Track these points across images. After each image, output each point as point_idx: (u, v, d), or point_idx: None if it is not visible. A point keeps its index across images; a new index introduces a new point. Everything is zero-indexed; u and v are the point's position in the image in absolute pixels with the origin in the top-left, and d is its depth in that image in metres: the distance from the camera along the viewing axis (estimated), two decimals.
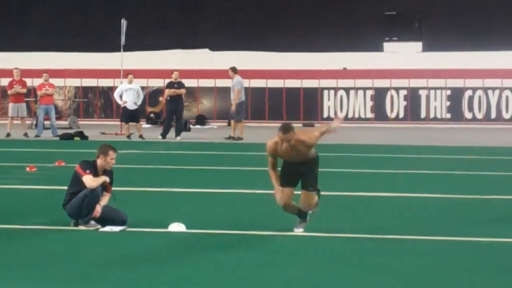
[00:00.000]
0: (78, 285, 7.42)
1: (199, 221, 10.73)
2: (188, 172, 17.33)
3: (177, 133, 26.20)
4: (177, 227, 10.07)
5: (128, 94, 26.15)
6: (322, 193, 10.25)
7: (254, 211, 11.88)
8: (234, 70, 26.14)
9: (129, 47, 29.34)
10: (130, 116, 26.31)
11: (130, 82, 26.40)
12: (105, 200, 10.19)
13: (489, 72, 35.53)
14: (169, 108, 26.48)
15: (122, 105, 26.34)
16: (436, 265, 8.27)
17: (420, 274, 7.89)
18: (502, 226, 10.62)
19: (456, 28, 36.38)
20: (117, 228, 9.99)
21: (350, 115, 36.38)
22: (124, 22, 28.27)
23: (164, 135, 26.24)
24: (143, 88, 28.12)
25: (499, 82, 35.80)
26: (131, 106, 26.13)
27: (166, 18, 37.90)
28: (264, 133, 26.18)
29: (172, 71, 26.85)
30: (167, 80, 27.04)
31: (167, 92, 26.31)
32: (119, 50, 28.61)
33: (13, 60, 32.21)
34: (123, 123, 26.87)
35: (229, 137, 25.96)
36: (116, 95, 26.55)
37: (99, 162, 10.15)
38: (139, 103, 26.49)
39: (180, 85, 26.34)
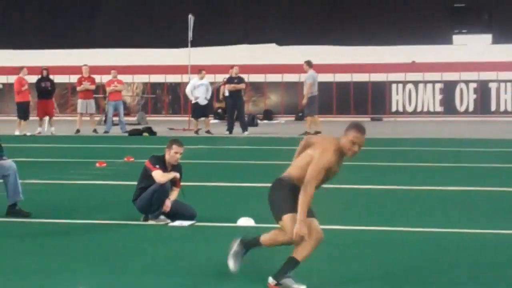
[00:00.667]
0: (149, 279, 7.44)
1: (268, 215, 10.68)
2: (256, 166, 17.31)
3: (243, 128, 26.22)
4: (246, 221, 10.06)
5: (199, 90, 26.29)
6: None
7: (324, 205, 11.79)
8: (309, 64, 25.96)
9: (196, 43, 29.47)
10: (201, 111, 26.47)
11: (202, 78, 26.53)
12: (174, 195, 10.23)
13: None
14: (229, 103, 26.59)
15: (194, 101, 26.45)
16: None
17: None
18: None
19: None
20: (186, 223, 10.02)
21: (419, 109, 36.01)
22: (191, 18, 28.39)
23: (230, 130, 26.30)
24: (211, 83, 28.16)
25: None
26: (202, 101, 26.29)
27: (233, 13, 37.96)
28: (331, 128, 26.06)
29: (231, 66, 26.92)
30: (227, 76, 27.11)
31: (227, 87, 26.41)
32: (186, 46, 28.74)
33: (82, 57, 32.59)
34: (193, 119, 26.89)
35: (305, 133, 25.73)
36: (188, 91, 26.64)
37: (166, 156, 10.21)
38: (208, 98, 26.63)
39: (240, 80, 26.37)
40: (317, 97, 26.02)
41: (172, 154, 10.18)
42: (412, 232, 9.65)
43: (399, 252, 8.55)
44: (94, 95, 28.08)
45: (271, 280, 7.08)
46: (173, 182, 10.24)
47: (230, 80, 26.47)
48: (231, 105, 26.46)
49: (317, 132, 25.37)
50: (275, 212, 7.21)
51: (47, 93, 26.57)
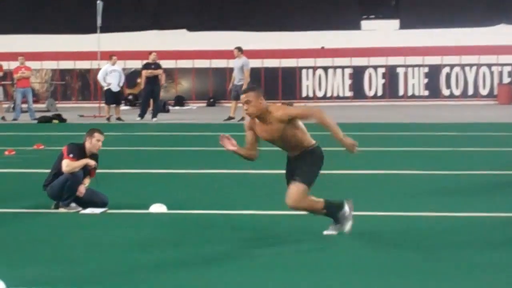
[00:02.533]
0: (61, 268, 7.39)
1: (180, 201, 10.74)
2: (167, 153, 17.30)
3: (154, 115, 26.08)
4: (158, 208, 10.07)
5: (112, 76, 26.02)
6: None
7: (235, 191, 11.89)
8: (240, 49, 25.79)
9: (105, 29, 29.18)
10: (114, 98, 26.22)
11: (114, 64, 26.27)
12: (87, 181, 10.17)
13: (466, 48, 35.62)
14: (146, 89, 26.37)
15: (106, 87, 26.16)
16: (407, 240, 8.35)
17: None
18: (477, 200, 10.71)
19: (433, 5, 36.36)
20: (98, 210, 9.97)
21: (328, 94, 36.39)
22: (100, 3, 28.08)
23: (142, 116, 26.15)
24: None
25: (476, 59, 35.90)
26: (115, 88, 26.05)
27: None
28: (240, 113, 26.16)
29: (150, 52, 26.78)
30: (145, 61, 26.88)
31: (144, 73, 26.23)
32: (95, 32, 28.44)
33: None
34: (106, 105, 26.51)
35: (229, 118, 25.69)
36: (100, 77, 26.30)
37: (87, 145, 10.15)
38: (121, 84, 26.43)
39: (157, 66, 26.26)
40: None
41: (94, 142, 10.12)
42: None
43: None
44: (2, 82, 27.57)
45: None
46: (88, 172, 10.18)
47: (147, 66, 26.30)
48: (148, 91, 26.25)
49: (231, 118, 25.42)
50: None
51: None
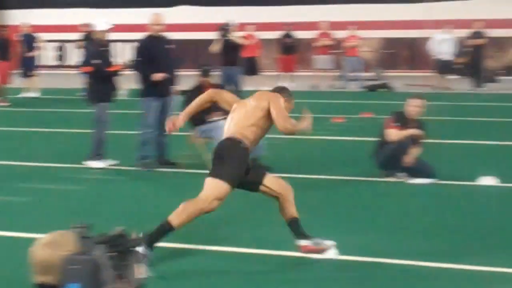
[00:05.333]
0: (376, 234, 7.38)
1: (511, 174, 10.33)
2: (497, 124, 16.72)
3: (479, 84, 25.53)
4: (488, 180, 9.81)
5: (444, 45, 25.74)
6: None
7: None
8: None
9: None
10: (446, 67, 25.84)
11: (446, 32, 25.90)
12: (415, 152, 10.12)
13: None
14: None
15: (438, 57, 25.87)
16: None
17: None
18: None
19: None
20: (426, 181, 9.86)
21: None
22: None
23: (478, 84, 25.54)
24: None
25: None
26: (447, 57, 25.73)
27: None
28: None
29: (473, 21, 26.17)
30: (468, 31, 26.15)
31: (471, 42, 25.66)
32: (422, 1, 28.12)
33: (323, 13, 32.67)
34: (439, 75, 26.19)
35: None
36: (431, 45, 26.11)
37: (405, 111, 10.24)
38: (452, 53, 25.99)
39: (478, 36, 25.59)
40: None
41: (408, 108, 10.17)
42: None
43: None
44: (332, 51, 28.22)
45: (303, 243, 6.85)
46: (414, 140, 10.15)
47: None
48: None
49: None
50: (218, 171, 6.67)
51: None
